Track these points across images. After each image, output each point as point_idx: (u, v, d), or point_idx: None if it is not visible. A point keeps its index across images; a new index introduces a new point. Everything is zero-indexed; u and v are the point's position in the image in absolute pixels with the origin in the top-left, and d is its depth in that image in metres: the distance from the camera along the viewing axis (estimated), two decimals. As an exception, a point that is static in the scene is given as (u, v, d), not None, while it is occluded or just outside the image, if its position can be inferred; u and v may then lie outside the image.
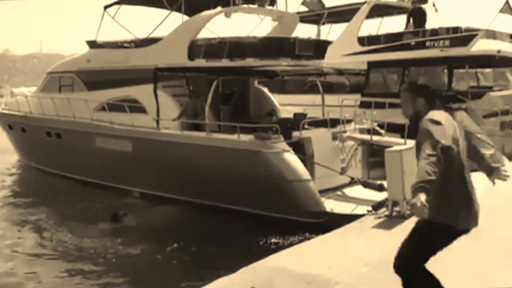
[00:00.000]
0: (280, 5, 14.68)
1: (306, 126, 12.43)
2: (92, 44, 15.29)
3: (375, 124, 12.68)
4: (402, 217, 8.35)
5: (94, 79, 14.95)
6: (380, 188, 9.87)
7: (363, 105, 14.26)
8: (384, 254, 6.61)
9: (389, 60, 16.66)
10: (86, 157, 14.70)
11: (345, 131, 12.31)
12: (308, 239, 8.94)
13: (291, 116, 13.73)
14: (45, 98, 15.99)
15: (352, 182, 11.39)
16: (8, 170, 18.43)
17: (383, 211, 8.83)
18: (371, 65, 17.04)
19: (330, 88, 17.05)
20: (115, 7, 14.80)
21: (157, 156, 12.56)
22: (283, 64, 12.16)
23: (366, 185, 10.57)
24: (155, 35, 14.05)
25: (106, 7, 14.82)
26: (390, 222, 8.29)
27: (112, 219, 10.93)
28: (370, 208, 9.18)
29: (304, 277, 5.95)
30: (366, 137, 12.17)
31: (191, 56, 12.65)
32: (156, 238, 10.13)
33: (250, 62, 12.14)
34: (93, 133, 14.25)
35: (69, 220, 11.69)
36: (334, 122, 12.47)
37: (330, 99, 14.12)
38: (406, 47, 16.24)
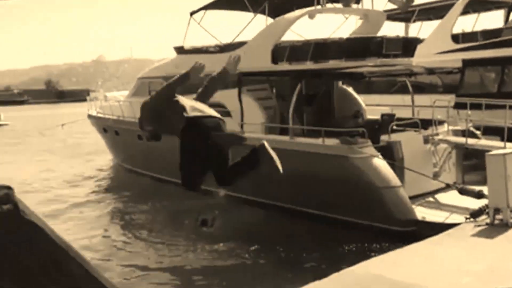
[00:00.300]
0: (366, 3, 14.22)
1: (395, 128, 11.97)
2: (179, 50, 15.77)
3: (471, 125, 11.92)
4: (505, 226, 7.77)
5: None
6: (480, 195, 9.24)
7: (458, 106, 13.48)
8: (488, 264, 6.19)
9: (487, 58, 15.64)
10: (175, 159, 15.13)
11: (437, 134, 11.70)
12: (398, 247, 8.62)
13: (378, 117, 13.28)
14: (136, 103, 16.74)
15: (447, 187, 10.78)
16: (103, 171, 19.57)
17: (483, 218, 8.26)
18: (466, 63, 16.08)
19: (421, 88, 16.34)
20: (201, 12, 15.17)
21: (242, 159, 12.67)
22: (369, 65, 11.78)
23: (463, 191, 9.91)
24: (240, 39, 14.22)
25: (192, 13, 15.23)
26: (492, 230, 7.74)
27: (202, 224, 11.09)
28: (467, 216, 8.63)
29: (398, 285, 5.71)
30: (461, 140, 11.47)
31: (275, 60, 12.66)
32: (242, 242, 10.25)
33: (335, 64, 11.90)
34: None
35: (158, 220, 12.19)
36: (426, 124, 11.89)
37: (421, 99, 13.52)
38: (505, 44, 15.15)
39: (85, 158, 22.40)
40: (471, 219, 8.44)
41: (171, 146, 15.64)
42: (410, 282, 5.75)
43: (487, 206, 8.33)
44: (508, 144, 10.46)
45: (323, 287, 5.79)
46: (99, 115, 19.40)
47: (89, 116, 20.23)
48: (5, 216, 1.95)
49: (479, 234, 7.68)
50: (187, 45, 15.68)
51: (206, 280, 8.78)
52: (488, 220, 8.13)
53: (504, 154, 8.11)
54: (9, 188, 1.98)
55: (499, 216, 8.06)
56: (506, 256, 6.45)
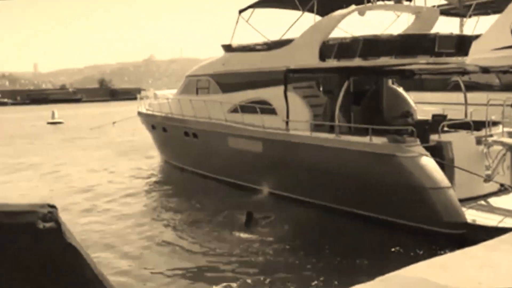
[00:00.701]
0: (418, 0, 13.89)
1: (445, 129, 11.64)
2: (227, 48, 15.98)
3: (527, 127, 11.43)
4: None
5: (228, 82, 15.61)
6: None
7: None
8: None
9: None
10: (220, 156, 15.40)
11: (491, 135, 11.28)
12: (447, 251, 8.36)
13: (428, 117, 12.96)
14: (183, 100, 17.09)
15: (500, 191, 10.37)
16: (151, 167, 20.06)
17: None
18: None
19: (476, 86, 15.79)
20: (249, 10, 15.32)
21: (286, 157, 12.72)
22: (420, 62, 11.50)
23: None
24: (287, 36, 14.25)
25: (240, 11, 15.41)
26: None
27: (247, 221, 11.13)
28: None
29: None
30: (517, 141, 11.02)
31: (322, 57, 12.59)
32: (285, 241, 10.25)
33: (384, 61, 11.70)
34: (226, 134, 14.89)
35: (202, 218, 12.37)
36: (479, 125, 11.49)
37: (475, 97, 13.06)
38: None
39: (134, 155, 23.04)
40: None
41: (216, 144, 15.97)
42: None
43: None
44: None
45: None
46: (148, 112, 19.91)
47: (139, 114, 20.82)
48: (47, 233, 1.93)
49: None
50: (235, 43, 15.86)
51: (250, 278, 8.82)
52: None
53: None
54: (53, 206, 2.01)
55: None
56: None
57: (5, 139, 32.78)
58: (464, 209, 9.82)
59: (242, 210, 11.93)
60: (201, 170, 16.66)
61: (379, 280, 5.96)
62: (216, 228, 11.30)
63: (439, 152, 10.50)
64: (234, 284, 8.47)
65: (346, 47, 12.13)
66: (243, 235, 10.61)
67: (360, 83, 13.79)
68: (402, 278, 6.06)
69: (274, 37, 14.87)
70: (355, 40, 12.09)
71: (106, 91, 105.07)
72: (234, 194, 14.10)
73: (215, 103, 15.36)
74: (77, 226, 11.72)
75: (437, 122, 11.60)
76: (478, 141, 11.20)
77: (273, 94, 13.78)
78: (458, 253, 7.30)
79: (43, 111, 52.60)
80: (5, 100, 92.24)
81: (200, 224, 11.82)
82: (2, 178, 18.86)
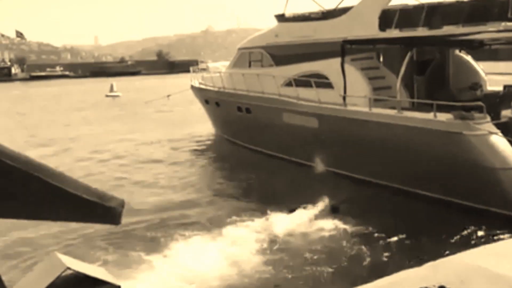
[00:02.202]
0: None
1: None
2: (280, 17, 15.56)
3: None
4: None
5: (281, 54, 15.24)
6: None
7: None
8: None
9: None
10: (274, 132, 15.20)
11: None
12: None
13: (500, 89, 12.09)
14: (235, 74, 16.91)
15: None
16: (204, 141, 20.20)
17: None
18: None
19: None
20: (304, -22, 14.76)
21: (343, 134, 12.31)
22: (490, 30, 10.65)
23: None
24: (344, 5, 13.65)
25: (295, -21, 14.88)
26: None
27: (333, 210, 10.66)
28: None
29: (505, 280, 5.11)
30: None
31: (382, 26, 11.97)
32: (349, 221, 9.92)
33: (450, 30, 10.94)
34: (280, 109, 14.62)
35: (250, 192, 12.41)
36: None
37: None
38: None
39: (187, 128, 23.24)
40: None
41: (270, 119, 15.71)
42: None
43: None
44: None
45: (415, 276, 5.37)
46: (201, 86, 19.93)
47: (192, 87, 20.88)
48: None
49: None
50: (289, 13, 15.40)
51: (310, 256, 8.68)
52: None
53: None
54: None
55: None
56: None
57: (64, 111, 34.13)
58: (537, 191, 9.14)
59: (294, 188, 11.84)
60: (255, 146, 16.56)
61: (428, 265, 5.65)
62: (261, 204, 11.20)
63: (511, 129, 9.78)
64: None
65: (408, 15, 11.46)
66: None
67: (424, 52, 13.04)
68: (453, 264, 5.69)
69: (330, 5, 14.28)
70: (418, 7, 11.40)
71: (164, 64, 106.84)
72: (286, 170, 13.94)
73: (268, 77, 15.07)
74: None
75: (509, 94, 10.78)
76: (557, 117, 10.33)
77: (329, 67, 13.31)
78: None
79: (103, 84, 54.25)
80: (67, 73, 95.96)
81: (246, 199, 11.87)
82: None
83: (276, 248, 8.87)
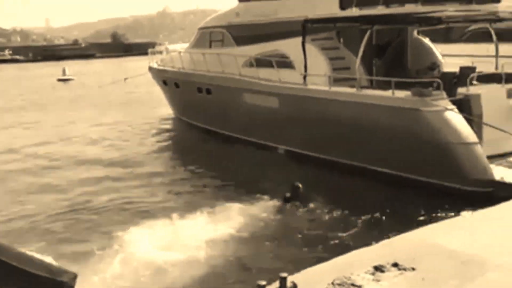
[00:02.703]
0: None
1: (474, 82, 11.25)
2: (241, -3, 15.53)
3: None
4: None
5: (242, 34, 15.27)
6: None
7: None
8: None
9: None
10: (235, 113, 15.25)
11: (524, 87, 10.86)
12: (470, 211, 8.21)
13: (456, 70, 12.52)
14: (196, 54, 16.83)
15: None
16: (162, 124, 20.05)
17: None
18: None
19: (509, 36, 15.14)
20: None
21: (304, 113, 12.49)
22: (449, 9, 11.02)
23: None
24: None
25: (255, -43, 14.85)
26: None
27: (286, 200, 10.25)
28: None
29: (457, 256, 5.33)
30: (552, 94, 10.60)
31: (342, 5, 12.17)
32: (301, 202, 10.11)
33: (410, 8, 11.24)
34: (241, 89, 14.68)
35: (214, 176, 12.40)
36: (511, 78, 11.06)
37: (507, 49, 12.53)
38: None
39: (145, 111, 23.03)
40: None
41: (230, 100, 15.67)
42: (469, 253, 5.35)
43: None
44: None
45: (369, 254, 5.55)
46: (160, 67, 19.73)
47: (150, 69, 20.64)
48: None
49: None
50: (250, -8, 15.38)
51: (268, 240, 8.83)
52: None
53: None
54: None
55: None
56: None
57: (14, 97, 33.06)
58: (492, 166, 9.61)
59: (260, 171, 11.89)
60: (215, 127, 16.59)
61: (383, 243, 5.85)
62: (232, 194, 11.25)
63: (466, 106, 10.20)
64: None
65: (368, -6, 11.67)
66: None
67: (383, 34, 13.35)
68: (407, 241, 5.89)
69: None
70: (378, -14, 11.60)
71: (119, 46, 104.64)
72: (251, 154, 14.03)
73: (229, 57, 15.08)
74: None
75: (465, 74, 11.22)
76: (509, 95, 10.83)
77: (290, 47, 13.44)
78: (476, 214, 7.13)
79: (55, 68, 52.76)
80: (17, 57, 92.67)
81: (210, 186, 11.84)
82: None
83: (233, 235, 8.74)
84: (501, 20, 11.85)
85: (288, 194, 9.96)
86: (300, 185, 10.09)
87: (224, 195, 10.80)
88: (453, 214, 8.53)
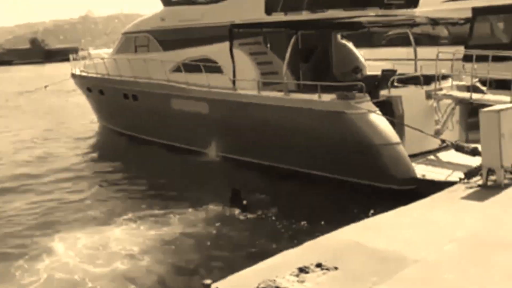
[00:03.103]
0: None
1: (396, 84, 11.84)
2: (166, 1, 15.49)
3: (476, 80, 11.77)
4: (499, 187, 7.72)
5: (169, 39, 15.20)
6: (474, 153, 9.26)
7: (467, 58, 13.20)
8: (474, 229, 6.14)
9: (500, 6, 15.29)
10: (163, 119, 15.13)
11: (440, 89, 11.57)
12: (394, 208, 8.61)
13: (379, 73, 13.12)
14: (121, 60, 16.54)
15: (444, 145, 10.76)
16: (87, 133, 19.49)
17: (477, 179, 8.22)
18: (477, 12, 15.74)
19: (430, 40, 16.06)
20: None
21: (234, 118, 12.62)
22: (370, 15, 11.55)
23: (458, 148, 9.95)
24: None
25: (179, -39, 14.85)
26: (484, 192, 7.65)
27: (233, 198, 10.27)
28: (462, 176, 8.61)
29: (378, 253, 5.61)
30: (465, 95, 11.36)
31: (268, 10, 12.41)
32: (221, 198, 10.29)
33: (333, 13, 11.67)
34: (169, 95, 14.60)
35: (142, 184, 12.22)
36: (429, 79, 11.75)
37: (428, 52, 13.25)
38: None
39: (69, 121, 22.27)
40: (465, 180, 8.40)
41: (158, 106, 15.50)
42: (390, 250, 5.64)
43: (481, 166, 8.25)
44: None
45: (294, 257, 5.71)
46: (83, 74, 19.20)
47: (73, 76, 20.04)
48: None
49: (471, 197, 7.56)
50: (175, -4, 15.36)
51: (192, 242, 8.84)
52: (481, 182, 8.07)
53: (499, 110, 7.93)
54: None
55: (492, 177, 7.99)
56: (493, 221, 6.39)
57: None
58: (414, 164, 10.13)
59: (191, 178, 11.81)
60: (144, 135, 16.36)
61: (308, 244, 6.05)
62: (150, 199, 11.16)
63: (388, 108, 10.73)
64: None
65: (293, 0, 11.98)
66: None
67: (309, 39, 13.77)
68: (333, 241, 6.13)
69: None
70: (303, -8, 11.94)
71: (39, 52, 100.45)
72: (181, 159, 13.96)
73: (156, 62, 14.95)
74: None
75: (387, 77, 11.78)
76: (428, 96, 11.48)
77: (218, 52, 13.54)
78: (395, 212, 7.53)
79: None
80: None
81: (139, 196, 11.68)
82: None
83: (162, 243, 8.70)
84: (418, 24, 12.56)
85: (230, 198, 10.05)
86: (239, 190, 10.22)
87: (156, 203, 10.72)
88: (378, 212, 8.91)
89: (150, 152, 15.18)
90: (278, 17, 12.28)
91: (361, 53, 14.74)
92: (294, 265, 5.25)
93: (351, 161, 10.33)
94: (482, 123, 8.18)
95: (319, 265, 5.30)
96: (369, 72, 14.17)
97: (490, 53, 11.20)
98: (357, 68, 13.76)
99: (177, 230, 9.20)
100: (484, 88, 11.53)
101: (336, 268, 5.25)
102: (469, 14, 15.54)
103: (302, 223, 9.17)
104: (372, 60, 15.26)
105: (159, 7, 15.87)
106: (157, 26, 15.68)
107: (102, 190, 12.29)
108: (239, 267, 5.45)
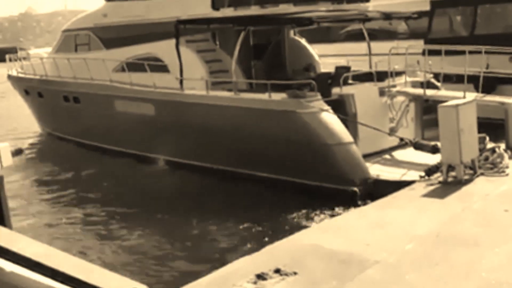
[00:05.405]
0: None
1: (350, 81, 12.16)
2: (110, -4, 15.44)
3: (431, 76, 12.23)
4: (459, 183, 8.13)
5: (111, 36, 15.17)
6: (435, 150, 9.64)
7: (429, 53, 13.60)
8: (435, 227, 6.47)
9: None
10: (106, 123, 15.07)
11: (394, 85, 11.96)
12: (350, 210, 8.88)
13: (332, 70, 13.47)
14: (60, 59, 16.38)
15: (402, 143, 11.14)
16: (24, 140, 19.11)
17: (437, 176, 8.61)
18: (435, 5, 16.35)
19: (385, 35, 16.53)
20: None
21: (182, 119, 12.71)
22: (320, 10, 11.86)
23: (418, 146, 10.33)
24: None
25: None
26: (445, 189, 8.09)
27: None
28: (422, 174, 8.99)
29: (337, 256, 5.83)
30: (419, 91, 11.79)
31: (215, 5, 12.56)
32: (177, 208, 10.46)
33: (283, 8, 11.93)
34: (112, 96, 14.57)
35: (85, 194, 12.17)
36: (383, 75, 12.12)
37: (380, 47, 13.67)
38: None
39: (3, 125, 21.81)
40: (425, 177, 8.78)
41: (101, 109, 15.34)
42: (350, 252, 5.87)
43: (441, 163, 8.65)
44: (472, 95, 10.77)
45: (253, 262, 5.87)
46: (20, 75, 18.91)
47: (9, 77, 19.69)
48: None
49: (431, 194, 7.98)
50: (118, -9, 15.33)
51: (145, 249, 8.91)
52: (441, 178, 8.46)
53: (457, 105, 8.33)
54: None
55: (452, 173, 8.40)
56: (453, 218, 6.76)
57: None
58: (368, 164, 10.48)
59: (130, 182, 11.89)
60: (87, 140, 16.27)
61: (265, 250, 6.24)
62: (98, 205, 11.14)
63: (341, 106, 11.03)
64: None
65: (241, -6, 12.19)
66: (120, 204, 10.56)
67: (261, 36, 13.99)
68: (291, 245, 6.34)
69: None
70: (248, -14, 12.16)
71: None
72: (123, 165, 13.94)
73: (98, 62, 14.90)
74: None
75: (340, 74, 12.08)
76: (382, 92, 11.84)
77: (163, 49, 13.60)
78: (354, 213, 7.83)
79: None
80: None
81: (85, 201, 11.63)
82: None
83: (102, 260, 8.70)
84: (370, 19, 12.94)
85: None
86: None
87: (100, 215, 10.78)
88: (333, 214, 9.20)
89: (93, 159, 15.09)
90: (226, 12, 12.44)
91: (317, 49, 15.05)
92: (252, 271, 5.40)
93: (304, 162, 10.57)
94: (441, 119, 8.62)
95: (277, 271, 5.46)
96: (324, 69, 14.51)
97: (443, 47, 11.65)
98: (310, 65, 14.06)
99: (126, 244, 9.27)
100: (438, 84, 11.97)
101: (295, 273, 5.43)
102: (428, 7, 16.13)
103: (258, 228, 9.36)
104: (329, 56, 15.62)
105: (102, 2, 15.82)
106: (99, 23, 15.62)
107: (34, 207, 11.97)
108: (194, 277, 5.58)
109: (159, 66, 13.60)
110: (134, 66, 14.09)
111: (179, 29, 13.13)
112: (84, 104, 15.81)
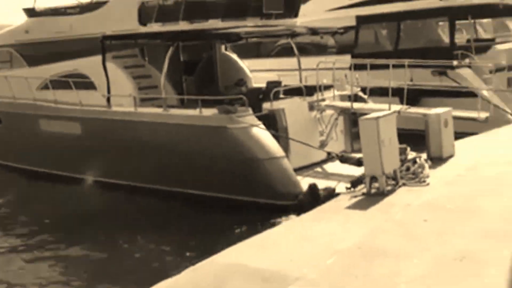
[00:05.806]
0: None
1: (281, 96, 12.35)
2: (30, 12, 15.12)
3: (359, 89, 12.61)
4: (382, 194, 8.36)
5: (34, 53, 14.82)
6: (359, 163, 9.90)
7: (355, 67, 14.03)
8: (356, 239, 6.55)
9: (382, 14, 16.57)
10: (30, 143, 14.62)
11: (323, 99, 12.26)
12: (280, 225, 8.90)
13: (264, 85, 13.63)
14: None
15: (330, 157, 11.39)
16: None
17: (361, 188, 8.83)
18: (361, 20, 16.94)
19: (315, 50, 16.93)
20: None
21: (110, 138, 12.49)
22: (248, 25, 12.02)
23: (343, 160, 10.61)
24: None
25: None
26: (368, 200, 8.26)
27: None
28: (348, 185, 9.19)
29: (260, 274, 5.78)
30: (347, 104, 12.13)
31: (142, 20, 12.50)
32: (104, 229, 10.28)
33: (211, 24, 11.99)
34: (37, 115, 14.17)
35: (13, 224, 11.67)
36: (312, 90, 12.39)
37: (310, 62, 13.97)
38: None
39: None
40: (351, 189, 8.98)
41: (25, 128, 14.85)
42: (272, 270, 5.83)
43: (364, 175, 8.87)
44: (396, 107, 11.20)
45: (174, 285, 5.77)
46: None
47: None
48: None
49: (354, 206, 8.11)
50: (40, 7, 15.01)
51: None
52: (365, 190, 8.67)
53: (377, 118, 8.60)
54: None
55: (376, 184, 8.63)
56: (375, 230, 6.87)
57: None
58: (300, 177, 10.64)
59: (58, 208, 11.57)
60: (9, 162, 15.72)
61: (188, 271, 6.13)
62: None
63: (272, 121, 11.18)
64: None
65: (168, 10, 12.19)
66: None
67: (193, 51, 14.00)
68: (213, 265, 6.24)
69: (87, -1, 14.31)
70: (177, 2, 12.19)
71: None
72: (49, 188, 13.50)
73: (20, 79, 14.47)
74: None
75: (271, 89, 12.26)
76: (311, 107, 12.11)
77: (89, 66, 13.37)
78: (280, 228, 7.85)
79: None
80: None
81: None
82: None
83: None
84: (297, 34, 13.22)
85: None
86: None
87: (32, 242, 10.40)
88: (262, 229, 9.21)
89: (15, 183, 14.55)
90: (153, 27, 12.39)
91: (249, 64, 15.20)
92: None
93: (236, 178, 10.60)
94: (362, 131, 8.84)
95: (198, 293, 5.34)
96: (255, 84, 14.67)
97: (368, 61, 12.08)
98: (241, 80, 14.20)
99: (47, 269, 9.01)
100: (365, 97, 12.36)
101: None
102: (352, 23, 16.71)
103: (184, 249, 9.22)
104: (260, 71, 15.81)
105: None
106: (21, 39, 15.19)
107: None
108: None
109: (85, 83, 13.34)
110: (59, 83, 13.76)
111: (105, 45, 12.96)
112: (7, 124, 15.28)
